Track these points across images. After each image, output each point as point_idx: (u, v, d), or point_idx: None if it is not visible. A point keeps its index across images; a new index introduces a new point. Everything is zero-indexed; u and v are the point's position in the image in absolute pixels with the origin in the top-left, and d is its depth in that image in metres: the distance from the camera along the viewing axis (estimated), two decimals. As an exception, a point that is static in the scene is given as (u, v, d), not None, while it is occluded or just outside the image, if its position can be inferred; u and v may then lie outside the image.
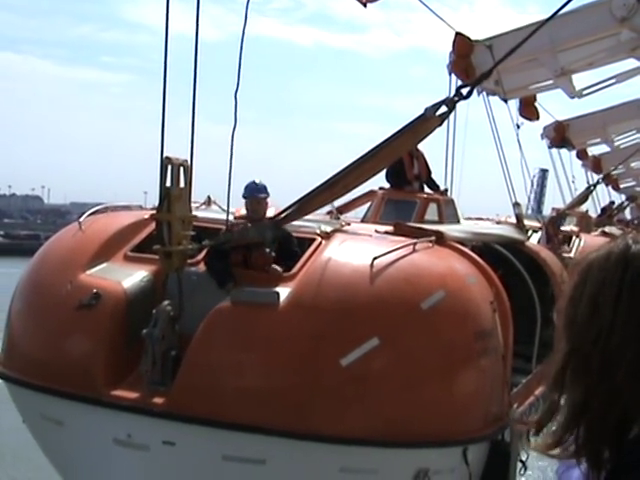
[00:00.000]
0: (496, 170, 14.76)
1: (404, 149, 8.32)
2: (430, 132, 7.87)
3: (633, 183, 31.84)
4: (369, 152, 7.74)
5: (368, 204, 13.67)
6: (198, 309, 7.41)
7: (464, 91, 6.30)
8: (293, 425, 6.89)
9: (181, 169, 7.49)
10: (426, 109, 7.56)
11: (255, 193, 8.41)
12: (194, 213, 7.94)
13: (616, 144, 25.80)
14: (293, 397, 6.99)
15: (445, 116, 7.13)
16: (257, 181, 8.54)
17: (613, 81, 17.37)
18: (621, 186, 30.81)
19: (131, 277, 8.04)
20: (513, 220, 14.35)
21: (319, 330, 7.17)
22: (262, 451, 7.01)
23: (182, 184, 7.53)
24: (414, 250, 8.01)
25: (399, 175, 13.60)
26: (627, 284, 1.73)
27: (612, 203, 27.73)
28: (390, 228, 9.39)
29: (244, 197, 8.49)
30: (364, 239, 8.59)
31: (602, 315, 1.73)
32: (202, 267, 8.11)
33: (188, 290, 7.72)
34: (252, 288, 7.56)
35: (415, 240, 8.22)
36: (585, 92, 17.04)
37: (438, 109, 7.13)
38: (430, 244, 8.46)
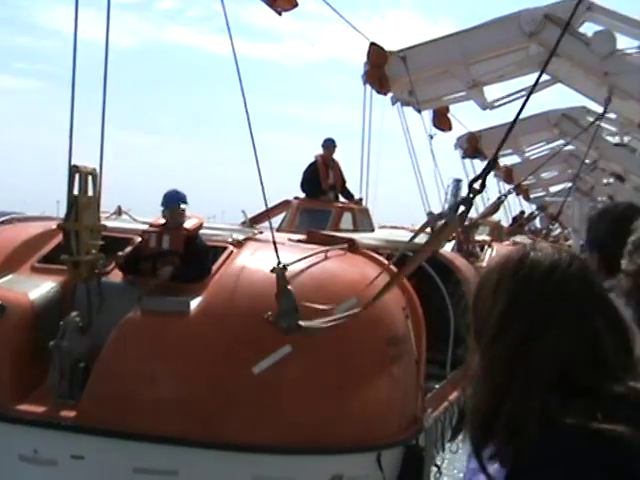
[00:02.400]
0: (411, 180, 14.92)
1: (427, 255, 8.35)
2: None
3: (543, 193, 32.60)
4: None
5: (283, 214, 13.69)
6: (108, 320, 7.27)
7: (477, 185, 6.30)
8: (205, 435, 6.81)
9: (89, 178, 7.37)
10: (443, 214, 7.58)
11: (172, 203, 8.28)
12: (104, 222, 7.81)
13: (527, 155, 26.42)
14: (205, 407, 6.91)
15: (465, 215, 7.15)
16: (177, 190, 8.41)
17: (523, 93, 17.75)
18: (531, 196, 31.52)
19: (38, 288, 7.85)
20: (427, 229, 14.49)
21: (230, 338, 7.11)
22: (174, 462, 6.90)
23: (90, 193, 7.41)
24: (326, 257, 8.03)
25: (314, 185, 13.68)
26: (515, 288, 1.83)
27: (523, 213, 28.33)
28: (303, 236, 9.39)
29: (162, 206, 8.37)
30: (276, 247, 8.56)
31: (493, 319, 1.82)
32: (112, 277, 7.97)
33: (98, 300, 7.59)
34: (163, 297, 7.47)
35: (327, 247, 8.24)
36: (496, 104, 17.39)
37: (457, 210, 7.11)
38: (342, 251, 8.49)
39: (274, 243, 7.15)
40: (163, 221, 8.34)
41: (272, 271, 6.95)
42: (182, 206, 8.29)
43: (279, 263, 6.94)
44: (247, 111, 7.00)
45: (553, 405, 1.68)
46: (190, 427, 6.82)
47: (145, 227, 8.58)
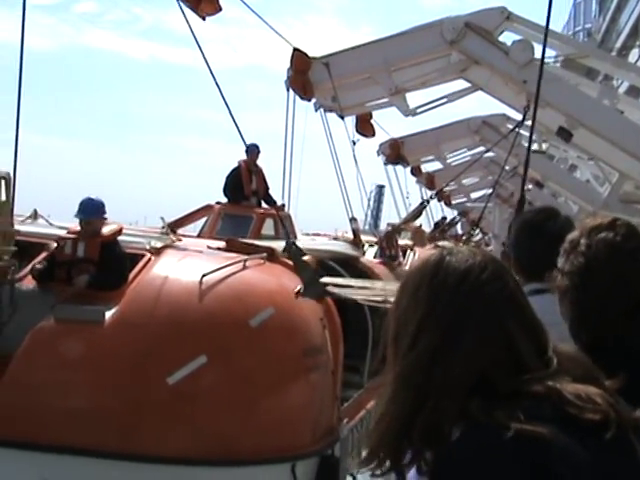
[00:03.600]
0: (334, 185, 14.95)
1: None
2: None
3: (464, 199, 33.08)
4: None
5: (204, 219, 13.60)
6: (20, 327, 7.12)
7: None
8: (118, 446, 6.72)
9: (2, 182, 7.22)
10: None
11: (84, 216, 8.10)
12: (17, 227, 7.65)
13: (448, 161, 26.74)
14: (118, 417, 6.82)
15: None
16: (92, 199, 8.21)
17: (444, 100, 17.98)
18: (453, 202, 31.94)
19: (-52, 294, 7.64)
20: (350, 235, 14.58)
21: (145, 348, 7.03)
22: (85, 474, 6.79)
23: (4, 198, 7.25)
24: (244, 267, 7.99)
25: (237, 190, 13.62)
26: (429, 292, 1.83)
27: (444, 218, 28.73)
28: (223, 244, 9.34)
29: (76, 216, 8.18)
30: (195, 255, 8.50)
31: (411, 324, 1.81)
32: (25, 283, 7.81)
33: (10, 307, 7.42)
34: (77, 305, 7.35)
35: (246, 257, 8.22)
36: (419, 110, 17.54)
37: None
38: (262, 260, 8.47)
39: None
40: (79, 228, 8.18)
41: (284, 250, 7.06)
42: (92, 219, 8.08)
43: (290, 240, 7.01)
44: (235, 121, 7.04)
45: (474, 408, 1.69)
46: (102, 437, 6.73)
47: (61, 232, 8.41)
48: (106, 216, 8.25)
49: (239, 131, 7.31)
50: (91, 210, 8.09)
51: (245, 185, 13.84)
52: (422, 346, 1.78)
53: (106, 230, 8.14)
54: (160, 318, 7.19)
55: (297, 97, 14.99)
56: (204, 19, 11.32)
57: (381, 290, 7.53)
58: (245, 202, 13.74)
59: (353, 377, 10.46)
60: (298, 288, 6.95)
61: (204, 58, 7.16)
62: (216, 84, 7.14)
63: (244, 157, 14.06)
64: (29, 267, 7.95)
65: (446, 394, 1.73)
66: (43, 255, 8.21)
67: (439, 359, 1.76)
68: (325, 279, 7.11)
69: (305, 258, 7.07)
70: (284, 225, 7.99)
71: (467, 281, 1.81)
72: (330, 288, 7.10)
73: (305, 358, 7.82)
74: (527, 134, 21.18)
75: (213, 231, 12.75)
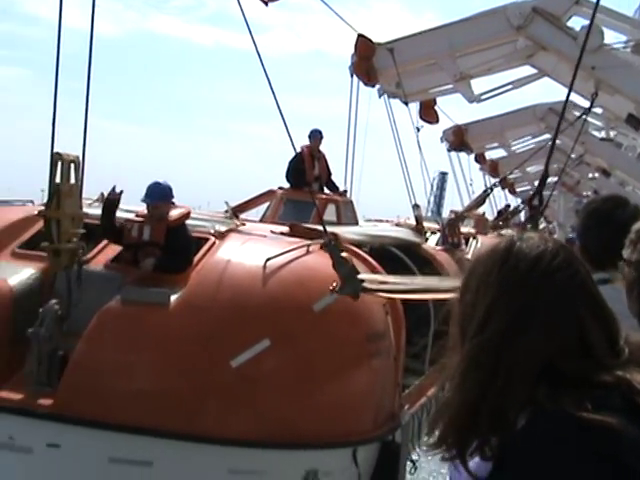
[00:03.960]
0: (397, 172, 14.94)
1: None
2: None
3: (528, 187, 32.67)
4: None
5: (267, 204, 13.67)
6: (87, 308, 7.24)
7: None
8: (181, 427, 6.81)
9: (72, 165, 7.33)
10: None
11: (151, 200, 8.20)
12: (86, 210, 7.78)
13: (513, 149, 26.48)
14: (181, 399, 6.91)
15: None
16: (160, 183, 8.29)
17: (510, 87, 17.81)
18: (517, 190, 31.61)
19: (18, 274, 7.82)
20: (413, 222, 14.53)
21: (209, 331, 7.11)
22: (149, 453, 6.91)
23: (73, 181, 7.37)
24: (307, 252, 8.01)
25: (299, 175, 13.64)
26: (500, 278, 1.82)
27: (508, 206, 28.38)
28: (286, 229, 9.38)
29: (143, 201, 8.29)
30: (258, 240, 8.55)
31: (479, 310, 1.81)
32: (92, 266, 7.95)
33: (77, 289, 7.55)
34: (142, 288, 7.46)
35: (309, 242, 8.24)
36: (483, 97, 17.43)
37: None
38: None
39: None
40: (146, 212, 8.29)
41: (322, 246, 7.09)
42: (159, 203, 8.18)
43: (329, 235, 7.04)
44: (279, 107, 7.07)
45: (541, 395, 1.69)
46: (166, 418, 6.82)
47: (127, 215, 8.53)
48: (174, 200, 8.34)
49: (283, 118, 7.28)
50: (158, 194, 8.19)
51: (307, 171, 13.86)
52: (490, 331, 1.78)
53: (173, 214, 8.22)
54: (224, 301, 7.25)
55: (361, 83, 14.99)
56: (266, 4, 11.35)
57: (420, 286, 7.44)
58: (307, 188, 13.76)
59: (414, 364, 10.45)
60: (334, 285, 6.91)
61: (253, 42, 7.15)
62: (263, 69, 7.13)
63: (307, 143, 14.10)
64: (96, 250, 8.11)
65: (513, 380, 1.72)
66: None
67: (507, 344, 1.75)
68: (362, 275, 7.05)
69: (343, 254, 7.02)
70: (321, 218, 7.97)
71: (538, 267, 1.80)
72: (367, 284, 7.02)
73: (368, 344, 7.82)
74: (594, 121, 20.93)
75: (275, 216, 12.82)
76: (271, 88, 7.16)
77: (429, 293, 7.50)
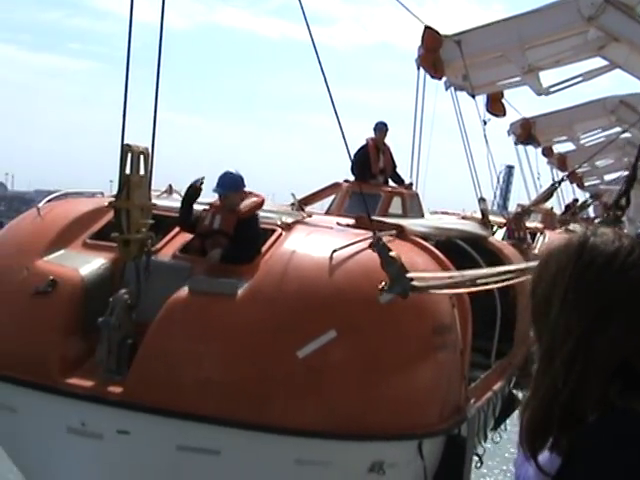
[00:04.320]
0: (462, 165, 14.79)
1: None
2: None
3: (597, 181, 32.15)
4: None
5: (332, 196, 13.68)
6: (156, 298, 7.34)
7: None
8: (248, 416, 6.86)
9: (141, 157, 7.43)
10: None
11: (222, 190, 8.29)
12: (154, 201, 7.88)
13: (581, 142, 26.04)
14: (249, 388, 6.96)
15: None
16: (232, 172, 8.37)
17: (580, 79, 17.50)
18: (585, 184, 31.11)
19: (89, 264, 7.96)
20: (478, 215, 14.41)
21: (276, 322, 7.15)
22: (217, 442, 6.98)
23: (142, 172, 7.47)
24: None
25: (364, 168, 13.62)
26: (576, 274, 1.78)
27: (576, 201, 27.94)
28: (352, 221, 9.38)
29: (214, 191, 8.40)
30: (325, 231, 8.58)
31: (553, 304, 1.78)
32: (161, 256, 8.06)
33: (146, 278, 7.66)
34: (210, 277, 7.53)
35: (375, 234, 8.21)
36: (552, 89, 17.15)
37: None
38: (391, 238, 8.45)
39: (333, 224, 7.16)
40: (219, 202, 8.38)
41: (370, 245, 7.08)
42: (230, 193, 8.27)
43: (377, 236, 7.04)
44: (331, 96, 7.05)
45: (613, 393, 1.67)
46: (234, 408, 6.89)
47: (196, 207, 8.63)
48: (245, 189, 8.39)
49: (335, 110, 7.23)
50: (229, 184, 8.27)
51: (372, 163, 13.84)
52: (566, 329, 1.75)
53: (245, 205, 8.27)
54: (291, 292, 7.29)
55: (427, 75, 14.88)
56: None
57: (470, 282, 7.35)
58: (372, 180, 13.73)
59: (480, 358, 10.37)
60: (382, 284, 6.86)
61: (309, 31, 7.08)
62: (317, 59, 7.08)
63: (372, 135, 14.07)
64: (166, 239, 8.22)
65: (588, 378, 1.70)
66: (179, 229, 8.46)
67: (584, 343, 1.72)
68: (411, 274, 6.97)
69: (392, 254, 6.95)
70: (369, 215, 7.96)
71: (614, 264, 1.76)
72: (417, 282, 6.93)
73: (434, 336, 7.79)
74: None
75: (341, 209, 12.80)
76: (324, 78, 7.11)
77: (479, 286, 7.46)
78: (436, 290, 7.39)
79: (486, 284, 7.59)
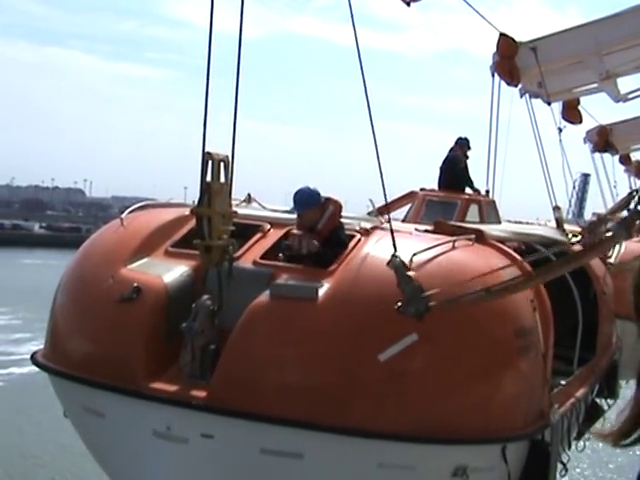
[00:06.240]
0: (537, 173, 14.61)
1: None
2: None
3: (678, 189, 31.39)
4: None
5: (409, 205, 13.68)
6: (237, 303, 7.43)
7: None
8: (331, 420, 6.89)
9: (222, 165, 7.54)
10: (613, 228, 7.62)
11: (300, 209, 8.61)
12: (235, 209, 7.98)
13: (661, 150, 25.45)
14: (331, 392, 7.00)
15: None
16: (305, 189, 8.65)
17: (659, 86, 17.14)
18: (666, 192, 30.37)
19: (171, 272, 8.11)
20: (553, 224, 14.23)
21: (357, 325, 7.17)
22: (300, 445, 7.02)
23: (222, 179, 7.58)
24: (453, 247, 7.98)
25: (467, 179, 13.66)
26: None
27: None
28: (430, 227, 9.36)
29: (293, 209, 8.60)
30: (403, 236, 8.57)
31: None
32: (241, 262, 8.15)
33: (228, 284, 7.76)
34: (291, 282, 7.60)
35: (455, 238, 8.19)
36: (630, 96, 16.82)
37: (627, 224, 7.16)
38: (470, 242, 8.42)
39: (391, 232, 7.21)
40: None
41: (388, 263, 7.04)
42: (307, 211, 8.58)
43: (395, 253, 7.01)
44: (368, 100, 7.04)
45: None
46: (317, 411, 6.92)
47: (274, 215, 8.74)
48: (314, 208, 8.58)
49: (370, 119, 7.20)
50: (306, 202, 8.58)
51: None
52: None
53: (322, 224, 8.54)
54: (371, 296, 7.30)
55: (502, 82, 14.79)
56: (409, 5, 11.31)
57: (497, 294, 7.17)
58: (473, 189, 13.77)
59: (562, 365, 10.22)
60: (399, 304, 6.80)
61: (355, 37, 7.09)
62: (360, 64, 7.08)
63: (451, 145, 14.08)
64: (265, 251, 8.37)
65: None
66: (258, 236, 8.58)
67: None
68: (430, 292, 6.84)
69: (409, 273, 6.87)
70: (390, 227, 8.11)
71: None
72: (435, 301, 6.82)
73: (516, 340, 7.71)
74: None
75: (417, 217, 12.80)
76: (364, 83, 7.11)
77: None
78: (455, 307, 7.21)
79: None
